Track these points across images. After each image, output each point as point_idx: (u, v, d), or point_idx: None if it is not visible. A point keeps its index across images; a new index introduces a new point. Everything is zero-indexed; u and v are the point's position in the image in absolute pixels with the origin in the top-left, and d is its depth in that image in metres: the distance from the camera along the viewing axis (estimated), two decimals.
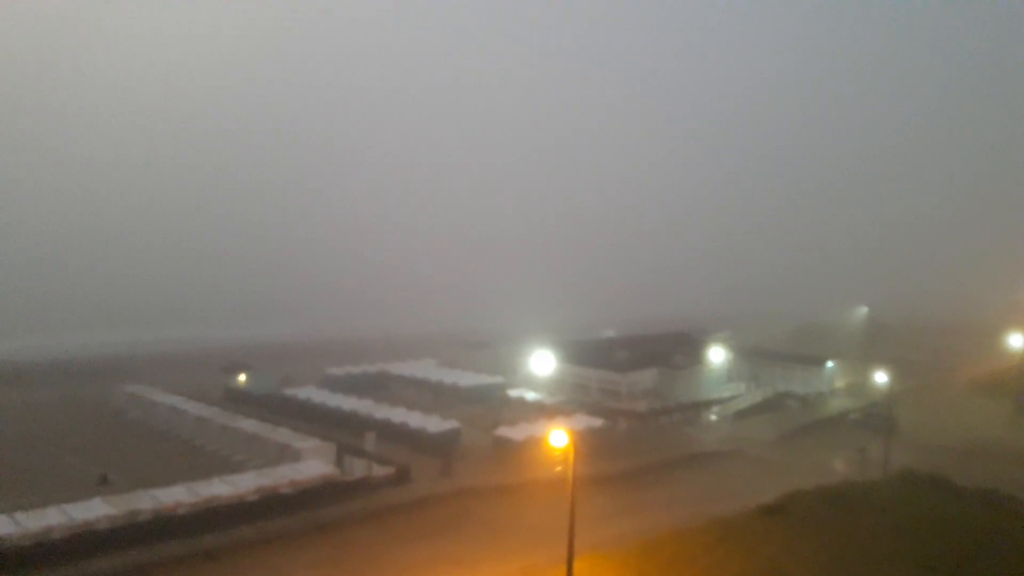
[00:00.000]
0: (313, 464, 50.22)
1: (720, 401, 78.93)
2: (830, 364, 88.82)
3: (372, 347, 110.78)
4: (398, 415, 65.45)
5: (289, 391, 76.65)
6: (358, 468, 51.21)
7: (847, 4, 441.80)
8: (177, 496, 42.54)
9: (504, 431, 61.29)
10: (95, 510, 39.80)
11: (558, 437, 31.69)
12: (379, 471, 50.61)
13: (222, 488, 44.37)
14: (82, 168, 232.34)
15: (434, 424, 62.39)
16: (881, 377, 69.54)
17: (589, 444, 55.78)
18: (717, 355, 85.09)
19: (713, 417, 75.33)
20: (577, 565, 30.78)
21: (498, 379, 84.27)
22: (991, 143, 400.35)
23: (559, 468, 50.98)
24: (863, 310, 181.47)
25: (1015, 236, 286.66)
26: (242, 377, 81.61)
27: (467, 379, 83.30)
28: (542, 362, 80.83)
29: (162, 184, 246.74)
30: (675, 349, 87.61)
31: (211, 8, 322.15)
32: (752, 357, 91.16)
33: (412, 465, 52.21)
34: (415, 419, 63.84)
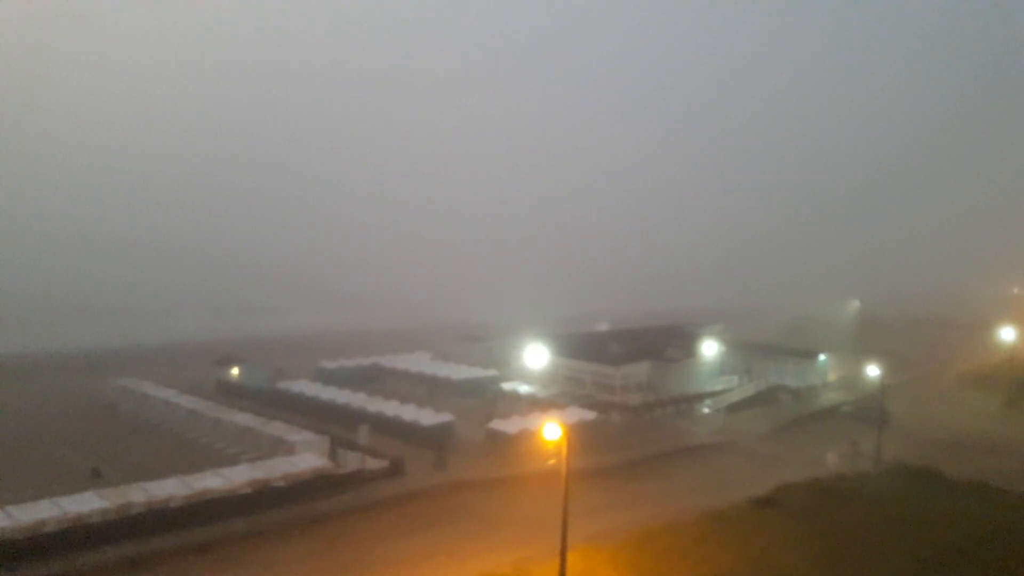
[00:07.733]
0: (306, 457, 50.19)
1: (713, 394, 79.13)
2: (822, 358, 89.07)
3: (366, 340, 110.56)
4: (392, 408, 65.43)
5: (282, 384, 76.52)
6: (351, 461, 51.21)
7: (836, 15, 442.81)
8: (170, 489, 42.48)
9: (498, 424, 61.31)
10: (87, 503, 39.71)
11: (551, 430, 31.77)
12: (372, 464, 50.60)
13: (215, 481, 44.34)
14: (75, 165, 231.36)
15: (428, 417, 62.38)
16: (873, 370, 69.85)
17: (582, 437, 55.81)
18: (710, 348, 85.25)
19: (706, 410, 75.54)
20: (571, 557, 30.88)
21: (492, 372, 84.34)
22: (983, 140, 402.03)
23: (552, 461, 51.12)
24: (855, 304, 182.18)
25: (1006, 231, 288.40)
26: (235, 370, 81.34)
27: (461, 372, 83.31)
28: (535, 355, 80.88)
29: (155, 180, 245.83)
30: (668, 342, 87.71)
31: (216, 8, 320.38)
32: (745, 350, 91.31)
33: (406, 458, 52.20)
34: (409, 412, 63.82)
